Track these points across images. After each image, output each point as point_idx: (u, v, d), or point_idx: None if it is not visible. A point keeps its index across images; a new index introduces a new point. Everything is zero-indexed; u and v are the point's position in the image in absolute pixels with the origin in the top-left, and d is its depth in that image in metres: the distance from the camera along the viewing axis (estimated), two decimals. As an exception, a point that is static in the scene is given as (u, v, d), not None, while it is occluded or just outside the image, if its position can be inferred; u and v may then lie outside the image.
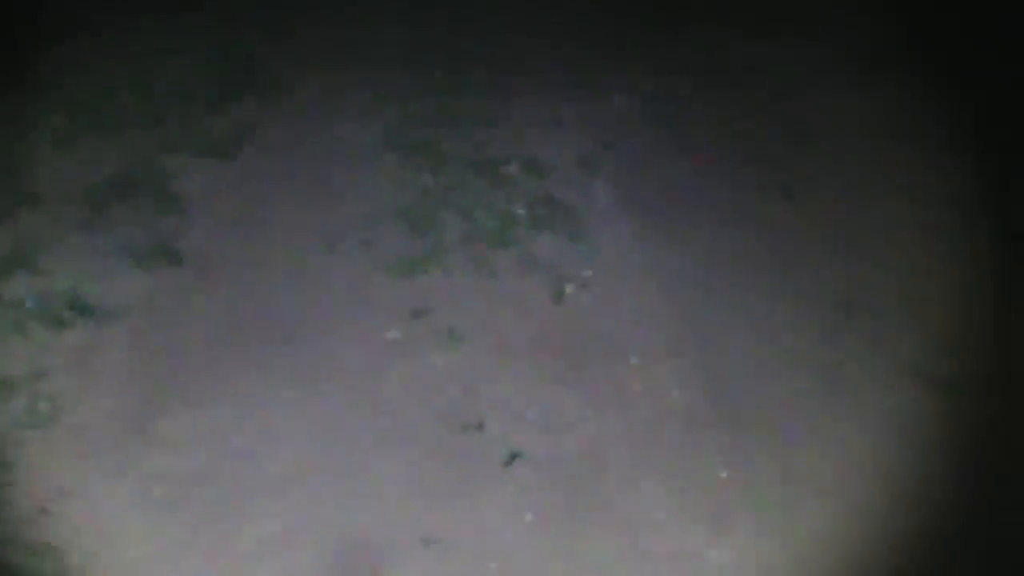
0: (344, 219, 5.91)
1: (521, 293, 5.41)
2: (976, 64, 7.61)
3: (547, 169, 6.47)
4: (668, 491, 4.33)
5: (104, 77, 7.59)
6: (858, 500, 4.40)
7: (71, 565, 4.14)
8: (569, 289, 5.40)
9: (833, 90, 7.82)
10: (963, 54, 7.74)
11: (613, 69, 7.85)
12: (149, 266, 5.53)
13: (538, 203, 6.09)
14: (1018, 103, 7.18)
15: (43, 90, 7.26)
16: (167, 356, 4.92)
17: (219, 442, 4.53)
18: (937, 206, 6.28)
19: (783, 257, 5.81)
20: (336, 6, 8.67)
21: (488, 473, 4.35)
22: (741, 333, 5.20)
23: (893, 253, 5.86)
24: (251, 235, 5.81)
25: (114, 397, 4.77)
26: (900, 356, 5.12)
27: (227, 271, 5.50)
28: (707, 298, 5.43)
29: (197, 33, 8.14)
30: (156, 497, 4.36)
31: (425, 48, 7.90)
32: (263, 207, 6.03)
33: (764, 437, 4.61)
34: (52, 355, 5.06)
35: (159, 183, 6.27)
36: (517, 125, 6.97)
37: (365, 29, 8.22)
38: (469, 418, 4.61)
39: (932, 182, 6.59)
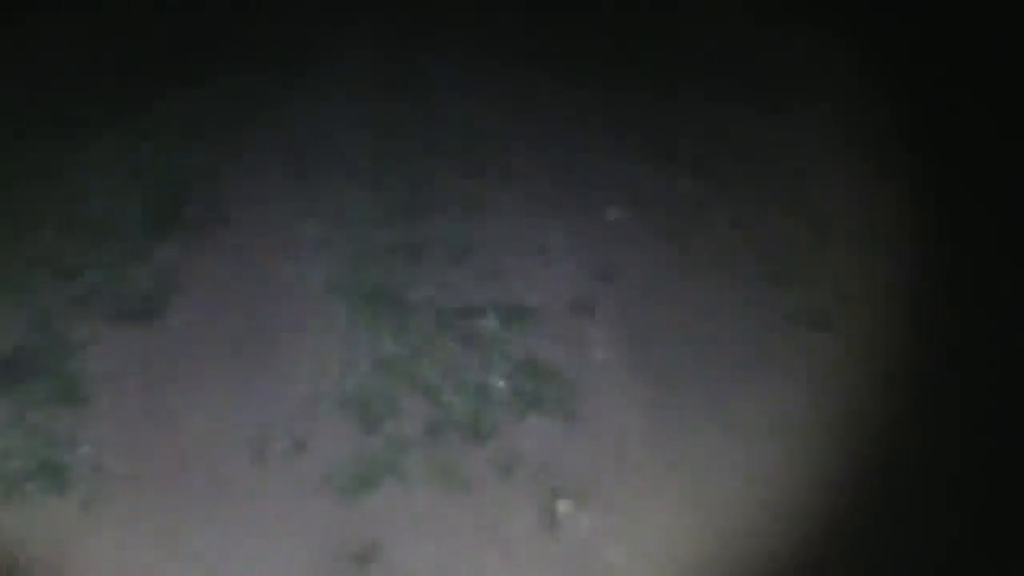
0: (278, 409, 4.29)
1: (501, 518, 3.71)
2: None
3: (532, 319, 4.84)
4: None
5: (24, 207, 5.85)
6: None
7: None
8: (564, 508, 3.68)
9: (852, 175, 6.07)
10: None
11: (606, 171, 6.14)
12: (22, 496, 3.76)
13: (521, 371, 4.47)
14: None
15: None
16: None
17: None
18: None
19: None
20: (292, 111, 6.98)
21: None
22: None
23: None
24: (161, 438, 4.20)
25: None
26: None
27: (121, 501, 3.80)
28: (752, 509, 3.69)
29: (130, 146, 6.41)
30: None
31: (390, 158, 6.25)
32: (180, 394, 4.41)
33: None
34: None
35: (59, 362, 4.61)
36: (494, 254, 5.32)
37: (322, 140, 6.50)
38: None
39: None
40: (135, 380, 4.59)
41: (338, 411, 4.27)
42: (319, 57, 8.46)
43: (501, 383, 4.41)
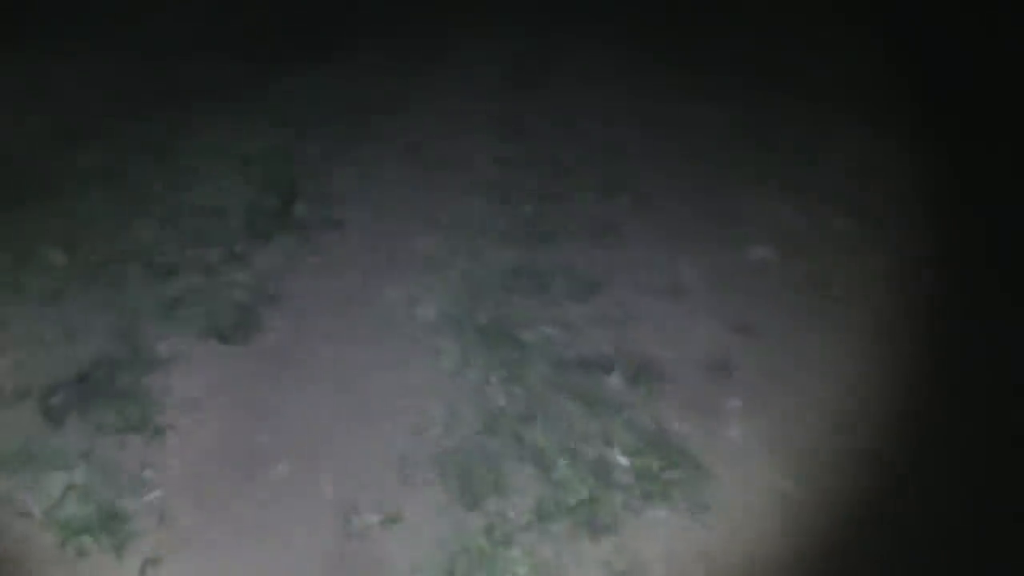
0: (372, 467, 3.60)
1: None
2: None
3: (661, 379, 4.11)
4: None
5: (130, 190, 5.28)
6: None
7: None
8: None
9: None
10: None
11: (750, 203, 5.39)
12: (79, 550, 3.17)
13: (648, 446, 3.76)
14: None
15: (47, 206, 5.13)
16: None
17: None
18: None
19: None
20: (414, 103, 6.32)
21: None
22: None
23: None
24: (238, 487, 3.60)
25: None
26: None
27: (186, 562, 3.19)
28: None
29: (244, 129, 5.80)
30: None
31: (515, 167, 5.52)
32: (265, 432, 3.81)
33: None
34: None
35: (139, 381, 4.02)
36: (624, 293, 4.63)
37: (443, 138, 5.82)
38: None
39: None
40: (217, 410, 3.95)
41: (437, 477, 3.60)
42: (445, 46, 7.77)
43: (624, 460, 3.67)
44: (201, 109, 6.62)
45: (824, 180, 5.96)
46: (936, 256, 5.23)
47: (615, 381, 4.14)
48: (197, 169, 5.88)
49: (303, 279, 4.81)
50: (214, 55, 7.49)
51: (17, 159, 5.73)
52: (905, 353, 4.50)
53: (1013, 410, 4.07)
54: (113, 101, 6.73)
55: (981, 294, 4.77)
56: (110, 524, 3.47)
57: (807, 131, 6.54)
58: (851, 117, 6.79)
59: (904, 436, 4.06)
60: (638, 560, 3.37)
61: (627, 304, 4.67)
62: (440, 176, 5.79)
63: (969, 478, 3.72)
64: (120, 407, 3.98)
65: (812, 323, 4.70)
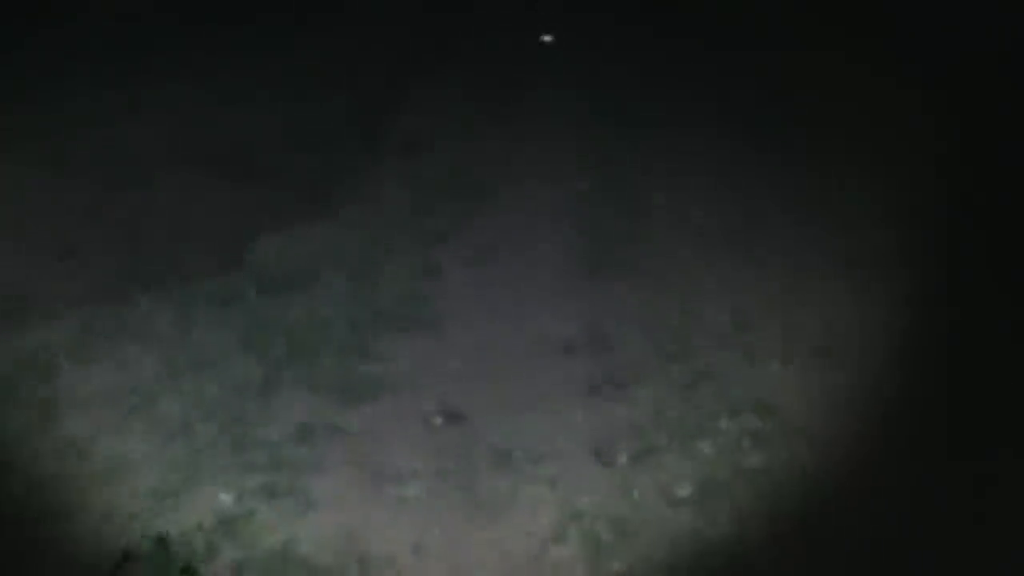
0: None
1: None
2: None
3: None
4: None
5: None
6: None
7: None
8: None
9: None
10: None
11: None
12: None
13: None
14: None
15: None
16: None
17: None
18: None
19: None
20: (452, 328, 3.24)
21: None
22: None
23: None
24: None
25: None
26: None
27: None
28: None
29: (184, 369, 2.78)
30: None
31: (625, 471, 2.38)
32: None
33: None
34: None
35: None
36: None
37: (507, 421, 2.70)
38: None
39: None
40: None
41: None
42: (491, 192, 4.63)
43: None
44: (132, 301, 3.52)
45: None
46: None
47: None
48: (88, 445, 2.76)
49: None
50: (185, 193, 4.42)
51: None
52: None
53: None
54: (25, 283, 3.68)
55: None
56: None
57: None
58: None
59: None
60: None
61: None
62: (501, 501, 2.64)
63: None
64: None
65: None
